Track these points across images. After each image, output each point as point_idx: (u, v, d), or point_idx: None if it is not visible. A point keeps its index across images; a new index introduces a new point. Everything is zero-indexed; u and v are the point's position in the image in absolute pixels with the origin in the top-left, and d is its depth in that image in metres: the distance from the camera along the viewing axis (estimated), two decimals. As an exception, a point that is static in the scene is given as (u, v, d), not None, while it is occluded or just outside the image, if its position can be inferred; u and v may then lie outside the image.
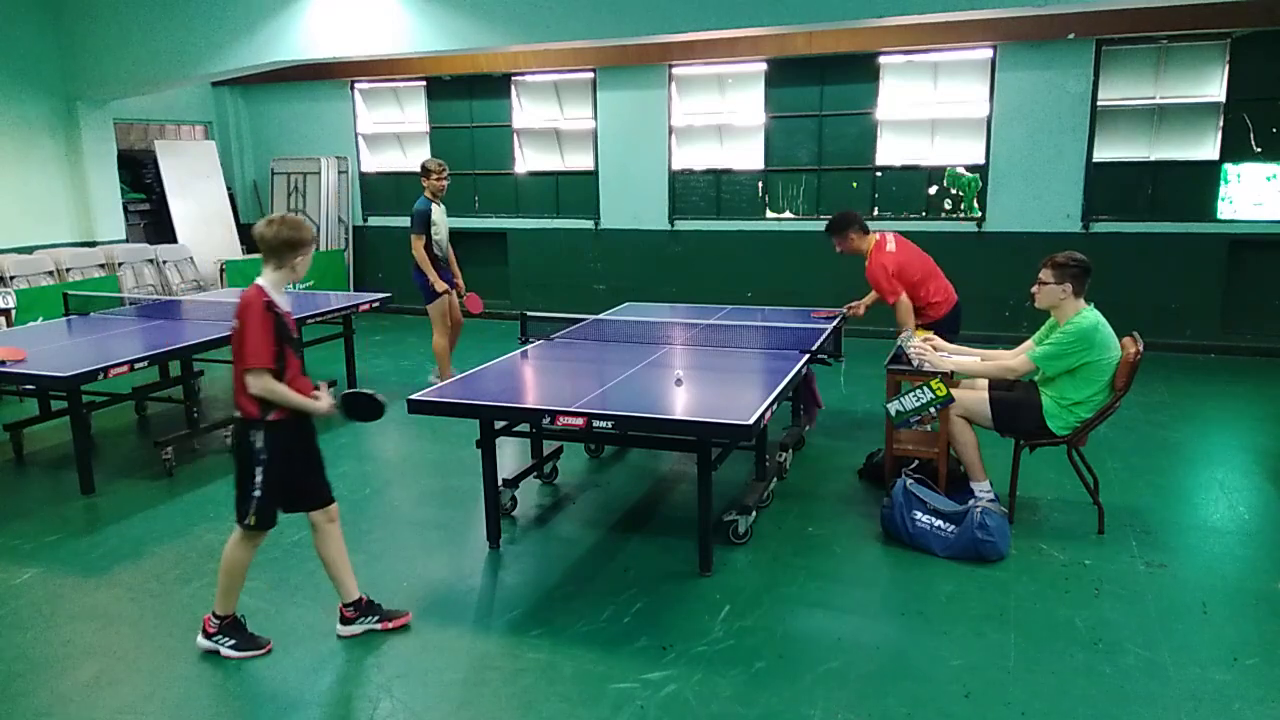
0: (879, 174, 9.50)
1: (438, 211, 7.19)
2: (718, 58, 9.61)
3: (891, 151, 9.45)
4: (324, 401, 3.43)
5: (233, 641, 3.52)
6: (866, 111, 9.41)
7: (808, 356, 4.87)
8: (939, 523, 4.25)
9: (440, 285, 7.15)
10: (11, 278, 8.89)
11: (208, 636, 3.54)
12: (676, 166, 10.22)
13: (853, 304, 6.21)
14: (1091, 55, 8.53)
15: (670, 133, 10.13)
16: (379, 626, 3.67)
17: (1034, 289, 4.43)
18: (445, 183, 7.19)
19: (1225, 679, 3.26)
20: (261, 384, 3.25)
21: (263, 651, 3.53)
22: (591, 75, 10.36)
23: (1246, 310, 8.56)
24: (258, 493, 3.36)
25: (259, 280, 3.35)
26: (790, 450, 5.45)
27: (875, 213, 9.52)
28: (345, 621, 3.65)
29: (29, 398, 6.72)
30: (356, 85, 11.55)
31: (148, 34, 9.10)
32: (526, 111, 10.98)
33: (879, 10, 6.56)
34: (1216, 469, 5.59)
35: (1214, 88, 8.40)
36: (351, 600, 3.65)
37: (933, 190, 9.35)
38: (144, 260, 10.13)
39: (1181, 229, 8.56)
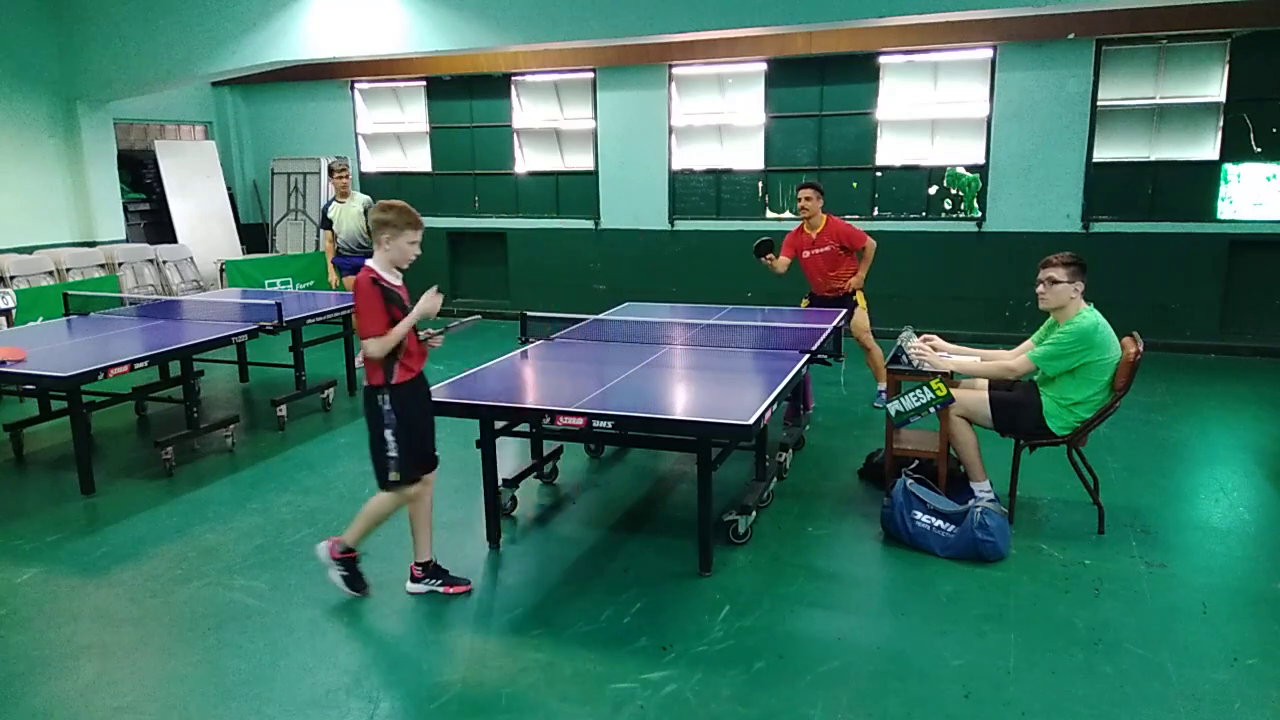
0: (879, 174, 9.50)
1: (337, 209, 8.08)
2: (718, 58, 9.62)
3: (891, 151, 9.45)
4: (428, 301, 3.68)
5: (346, 575, 3.92)
6: (866, 111, 9.41)
7: (808, 356, 4.87)
8: (939, 523, 4.24)
9: (331, 277, 8.34)
10: (11, 278, 8.89)
11: (415, 581, 3.96)
12: (676, 166, 10.22)
13: (771, 258, 6.60)
14: (1091, 55, 8.53)
15: (670, 133, 10.13)
16: (441, 590, 3.97)
17: (1039, 289, 4.42)
18: (337, 180, 7.98)
19: (1225, 679, 3.26)
20: (373, 346, 3.60)
21: (359, 594, 3.91)
22: (591, 75, 10.36)
23: (1246, 310, 8.56)
24: (394, 453, 3.70)
25: (368, 261, 3.75)
26: (790, 450, 5.45)
27: (875, 213, 9.53)
28: (414, 580, 3.99)
29: (29, 398, 6.72)
30: (356, 85, 11.56)
31: (148, 34, 9.10)
32: (526, 111, 10.98)
33: (879, 10, 6.56)
34: (1216, 469, 5.59)
35: (1214, 88, 8.40)
36: (423, 561, 3.99)
37: (933, 190, 9.36)
38: (144, 260, 10.13)
39: (1181, 229, 8.56)
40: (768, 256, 6.56)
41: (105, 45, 9.45)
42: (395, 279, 3.74)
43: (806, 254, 6.59)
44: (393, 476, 3.72)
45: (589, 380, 4.55)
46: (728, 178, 10.09)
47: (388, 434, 3.69)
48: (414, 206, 3.79)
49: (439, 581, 3.98)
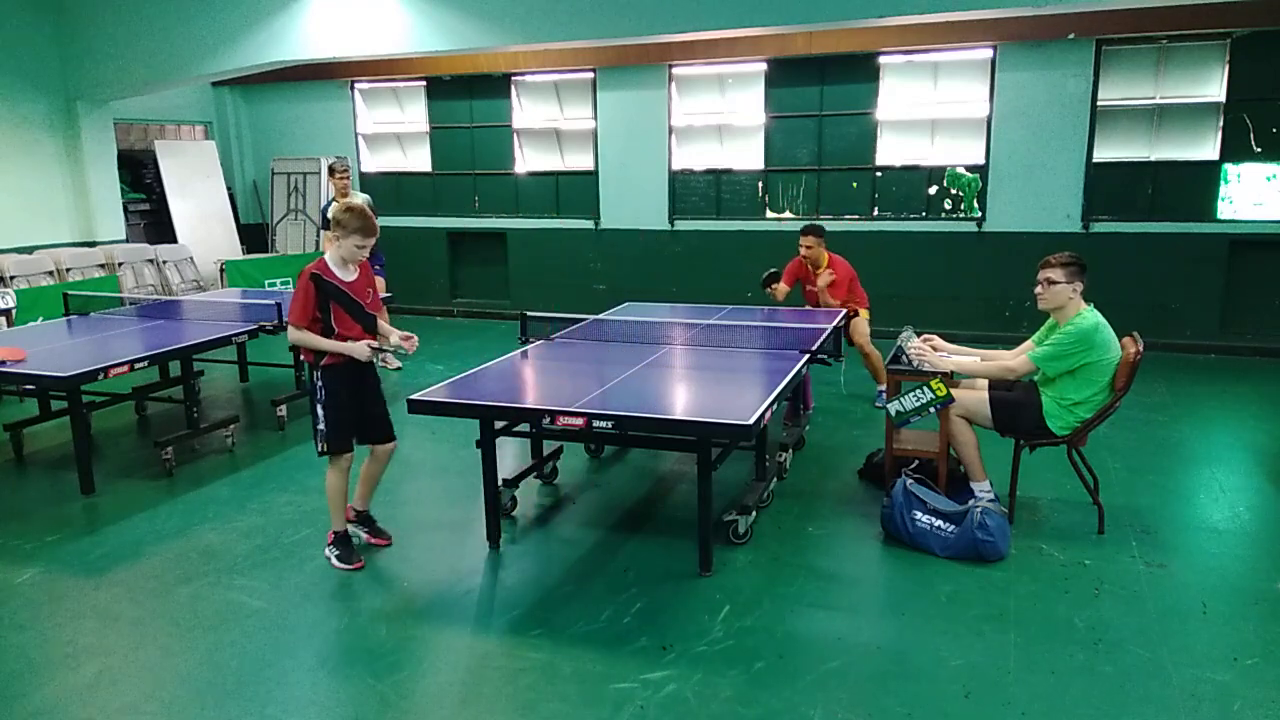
0: (879, 174, 9.50)
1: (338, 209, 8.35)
2: (718, 58, 9.61)
3: (891, 151, 9.45)
4: (357, 346, 4.07)
5: (338, 553, 4.25)
6: (866, 111, 9.41)
7: (808, 356, 4.87)
8: (939, 523, 4.24)
9: None
10: (11, 278, 8.89)
11: (328, 545, 4.30)
12: (676, 166, 10.22)
13: (775, 286, 6.75)
14: (1091, 55, 8.53)
15: (670, 133, 10.12)
16: (337, 564, 4.26)
17: (1038, 290, 4.42)
18: (338, 180, 8.00)
19: (1225, 679, 3.26)
20: (291, 333, 4.09)
21: (352, 568, 4.21)
22: (591, 75, 10.36)
23: (1246, 310, 8.56)
24: (321, 425, 4.11)
25: (325, 254, 4.16)
26: (790, 450, 5.45)
27: (875, 213, 9.53)
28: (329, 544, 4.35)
29: (29, 398, 6.72)
30: (356, 85, 11.55)
31: (148, 34, 9.10)
32: (526, 111, 10.98)
33: (879, 10, 6.56)
34: (1216, 469, 5.59)
35: (1214, 88, 8.40)
36: (353, 509, 4.44)
37: (933, 190, 9.35)
38: (144, 260, 10.13)
39: (1181, 229, 8.56)
40: (772, 286, 6.66)
41: (105, 45, 9.44)
42: (347, 274, 4.11)
43: (810, 286, 6.69)
44: (319, 448, 4.16)
45: (589, 380, 4.55)
46: (728, 178, 10.09)
47: (318, 408, 4.12)
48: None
49: (336, 553, 4.26)
